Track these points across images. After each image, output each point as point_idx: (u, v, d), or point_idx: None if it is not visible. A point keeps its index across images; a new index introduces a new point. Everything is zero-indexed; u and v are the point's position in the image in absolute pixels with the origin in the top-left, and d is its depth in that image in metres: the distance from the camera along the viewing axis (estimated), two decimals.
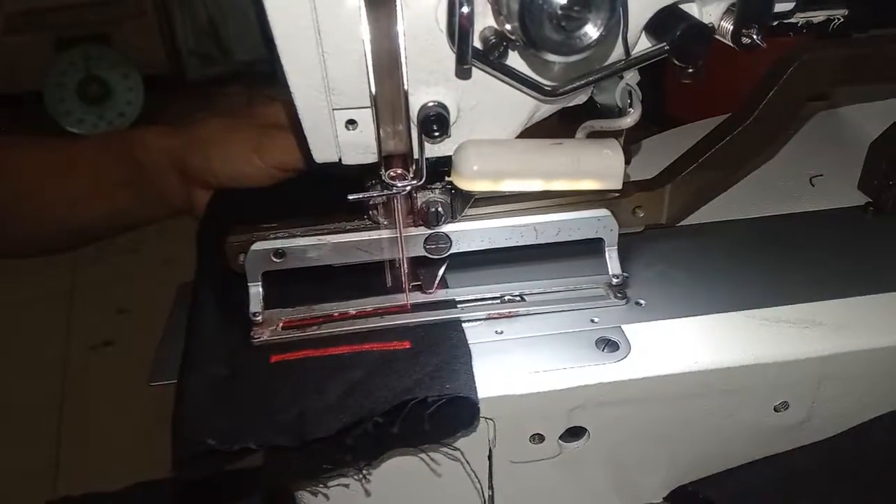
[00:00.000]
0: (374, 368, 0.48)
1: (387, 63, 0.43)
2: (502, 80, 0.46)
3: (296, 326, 0.52)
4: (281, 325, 0.52)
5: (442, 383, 0.46)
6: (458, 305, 0.54)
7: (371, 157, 0.48)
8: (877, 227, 0.62)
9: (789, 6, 0.48)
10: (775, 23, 0.49)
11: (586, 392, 0.48)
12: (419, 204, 0.51)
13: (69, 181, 0.71)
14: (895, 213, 0.63)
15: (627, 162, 0.51)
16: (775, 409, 0.52)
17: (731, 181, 0.67)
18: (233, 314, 0.53)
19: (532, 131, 0.51)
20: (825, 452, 0.55)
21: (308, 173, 0.63)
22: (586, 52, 0.41)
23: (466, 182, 0.49)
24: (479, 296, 0.55)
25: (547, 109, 0.50)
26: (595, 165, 0.51)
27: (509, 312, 0.53)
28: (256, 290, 0.53)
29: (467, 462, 0.50)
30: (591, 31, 0.40)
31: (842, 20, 0.51)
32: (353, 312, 0.53)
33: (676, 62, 0.46)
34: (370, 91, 0.44)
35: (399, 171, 0.48)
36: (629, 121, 0.50)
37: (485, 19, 0.43)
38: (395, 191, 0.49)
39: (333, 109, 0.46)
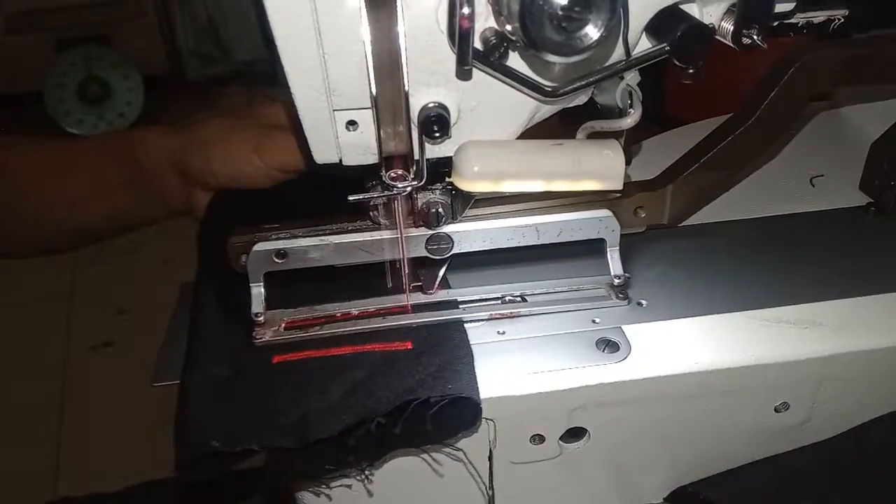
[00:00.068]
0: (376, 369, 0.48)
1: (387, 64, 0.43)
2: (503, 81, 0.46)
3: (298, 327, 0.52)
4: (283, 325, 0.52)
5: (444, 384, 0.46)
6: (461, 306, 0.54)
7: (372, 158, 0.48)
8: (878, 227, 0.62)
9: (790, 6, 0.48)
10: (776, 23, 0.49)
11: (586, 393, 0.48)
12: (420, 205, 0.51)
13: (69, 181, 0.71)
14: None
15: (628, 162, 0.51)
16: (775, 410, 0.52)
17: (732, 181, 0.67)
18: (235, 315, 0.53)
19: (533, 132, 0.51)
20: (825, 453, 0.55)
21: (308, 174, 0.63)
22: (587, 53, 0.41)
23: (467, 183, 0.49)
24: (481, 296, 0.55)
25: (547, 110, 0.50)
26: (596, 166, 0.51)
27: (511, 313, 0.53)
28: (258, 291, 0.53)
29: (469, 462, 0.50)
30: (592, 31, 0.40)
31: (842, 20, 0.51)
32: (355, 313, 0.53)
33: (677, 63, 0.46)
34: (371, 92, 0.44)
35: (400, 171, 0.48)
36: (630, 121, 0.50)
37: (485, 20, 0.43)
38: (395, 192, 0.49)
39: (334, 110, 0.46)
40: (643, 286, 0.56)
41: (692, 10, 0.47)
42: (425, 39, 0.44)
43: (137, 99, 2.46)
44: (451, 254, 0.54)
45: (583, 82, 0.46)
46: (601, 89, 0.52)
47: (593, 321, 0.53)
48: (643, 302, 0.54)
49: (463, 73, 0.45)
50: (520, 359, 0.49)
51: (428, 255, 0.54)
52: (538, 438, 0.50)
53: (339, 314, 0.53)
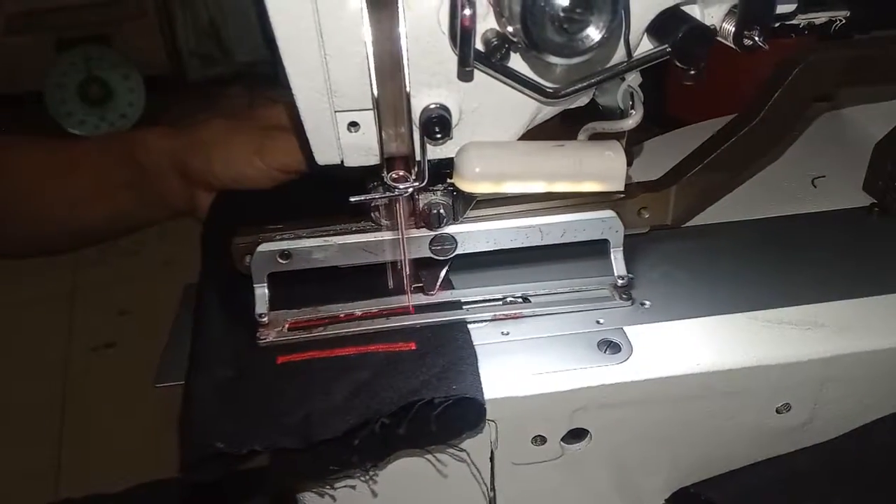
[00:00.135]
0: (380, 369, 0.48)
1: (389, 65, 0.43)
2: (504, 83, 0.46)
3: (301, 328, 0.52)
4: (287, 326, 0.52)
5: (448, 384, 0.46)
6: (464, 306, 0.54)
7: (373, 159, 0.48)
8: (881, 228, 0.62)
9: (791, 8, 0.48)
10: (777, 24, 0.49)
11: (588, 394, 0.48)
12: (421, 206, 0.51)
13: (70, 182, 0.71)
14: None
15: (629, 163, 0.51)
16: (777, 411, 0.52)
17: (736, 182, 0.67)
18: (238, 316, 0.53)
19: (534, 133, 0.51)
20: (827, 454, 0.55)
21: (310, 175, 0.63)
22: (588, 55, 0.41)
23: (468, 184, 0.49)
24: (485, 297, 0.55)
25: (549, 111, 0.50)
26: (597, 167, 0.51)
27: (515, 314, 0.53)
28: (262, 292, 0.53)
29: (473, 463, 0.50)
30: (593, 33, 0.40)
31: (843, 21, 0.51)
32: (359, 314, 0.53)
33: (678, 64, 0.46)
34: (372, 93, 0.44)
35: (401, 173, 0.48)
36: (631, 122, 0.50)
37: (487, 21, 0.43)
38: (396, 193, 0.49)
39: (335, 111, 0.46)
40: (647, 287, 0.56)
41: (693, 11, 0.47)
42: (427, 40, 0.44)
43: (139, 100, 2.46)
44: (454, 255, 0.54)
45: (584, 84, 0.46)
46: (603, 90, 0.52)
47: (597, 322, 0.53)
48: (646, 302, 0.54)
49: (464, 75, 0.45)
50: (522, 360, 0.49)
51: (432, 255, 0.54)
52: (540, 439, 0.50)
53: (342, 315, 0.53)
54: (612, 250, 0.55)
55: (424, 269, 0.55)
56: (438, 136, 0.46)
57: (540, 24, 0.39)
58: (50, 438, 1.41)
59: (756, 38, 0.47)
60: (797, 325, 0.52)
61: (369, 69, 0.43)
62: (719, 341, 0.50)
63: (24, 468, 1.34)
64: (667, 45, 0.45)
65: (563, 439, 0.51)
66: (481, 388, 0.46)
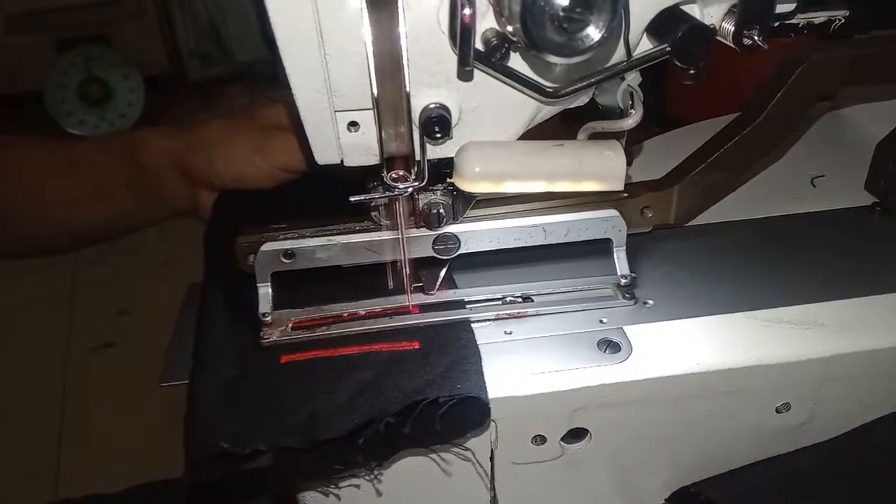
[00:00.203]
0: (384, 369, 0.48)
1: (388, 65, 0.43)
2: (504, 82, 0.46)
3: (305, 327, 0.52)
4: (290, 325, 0.52)
5: (453, 383, 0.46)
6: (468, 306, 0.54)
7: (373, 159, 0.48)
8: (883, 227, 0.62)
9: (790, 7, 0.48)
10: (776, 24, 0.49)
11: (587, 393, 0.48)
12: (421, 205, 0.51)
13: (70, 182, 0.71)
14: None
15: (629, 163, 0.51)
16: (777, 411, 0.52)
17: (739, 181, 0.67)
18: (242, 315, 0.53)
19: (534, 133, 0.51)
20: (827, 453, 0.55)
21: (310, 175, 0.63)
22: (588, 54, 0.41)
23: (468, 184, 0.49)
24: (488, 296, 0.55)
25: (549, 111, 0.50)
26: (597, 167, 0.51)
27: (518, 313, 0.53)
28: (266, 291, 0.53)
29: (478, 462, 0.50)
30: (593, 32, 0.40)
31: (843, 21, 0.51)
32: (362, 313, 0.53)
33: (678, 63, 0.46)
34: (372, 93, 0.44)
35: (401, 172, 0.48)
36: (631, 122, 0.50)
37: (486, 21, 0.43)
38: (396, 192, 0.49)
39: (335, 111, 0.46)
40: (649, 286, 0.56)
41: (693, 10, 0.47)
42: (426, 40, 0.44)
43: (138, 100, 2.46)
44: (456, 254, 0.54)
45: (584, 83, 0.46)
46: (602, 90, 0.52)
47: (600, 321, 0.52)
48: (649, 302, 0.54)
49: (464, 74, 0.45)
50: (522, 359, 0.49)
51: (435, 255, 0.54)
52: (539, 439, 0.50)
53: (346, 314, 0.53)
54: (615, 249, 0.55)
55: (425, 269, 0.55)
56: (438, 135, 0.46)
57: (539, 23, 0.39)
58: (49, 438, 1.41)
59: (755, 38, 0.47)
60: (797, 324, 0.52)
61: (369, 69, 0.43)
62: (719, 341, 0.50)
63: (23, 468, 1.34)
64: (666, 45, 0.45)
65: (563, 439, 0.51)
66: (486, 387, 0.46)
